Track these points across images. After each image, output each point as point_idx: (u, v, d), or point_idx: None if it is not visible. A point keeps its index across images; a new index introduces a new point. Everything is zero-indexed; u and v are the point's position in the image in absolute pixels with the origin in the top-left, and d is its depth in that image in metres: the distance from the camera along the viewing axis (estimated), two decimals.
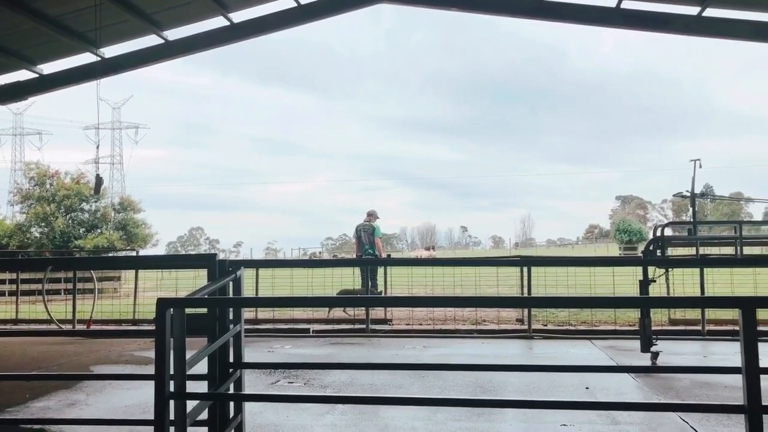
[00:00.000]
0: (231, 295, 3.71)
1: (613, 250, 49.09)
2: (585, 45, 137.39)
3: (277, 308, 11.03)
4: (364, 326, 10.05)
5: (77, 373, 6.78)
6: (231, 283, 3.66)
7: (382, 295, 10.86)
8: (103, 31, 10.00)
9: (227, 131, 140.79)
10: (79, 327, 10.46)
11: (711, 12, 9.52)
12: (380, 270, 11.88)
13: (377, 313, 10.62)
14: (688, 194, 8.42)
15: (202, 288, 3.40)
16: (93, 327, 10.55)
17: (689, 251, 10.11)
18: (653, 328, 7.24)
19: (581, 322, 10.27)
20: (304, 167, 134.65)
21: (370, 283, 12.09)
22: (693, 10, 9.57)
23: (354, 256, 14.42)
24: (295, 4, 10.82)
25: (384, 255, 13.87)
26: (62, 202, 22.15)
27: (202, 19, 11.04)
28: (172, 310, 3.03)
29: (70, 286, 12.41)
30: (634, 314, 9.82)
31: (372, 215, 13.27)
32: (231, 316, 3.69)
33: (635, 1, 9.78)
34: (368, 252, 12.78)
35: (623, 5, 9.80)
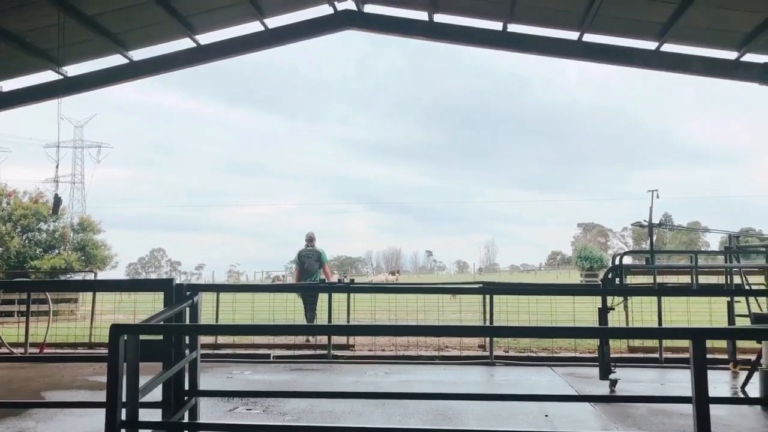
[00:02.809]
0: (188, 321, 3.65)
1: (575, 276, 49.73)
2: (549, 76, 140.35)
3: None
4: (325, 352, 9.96)
5: (26, 400, 6.55)
6: (188, 308, 3.61)
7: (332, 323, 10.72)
8: (66, 50, 9.87)
9: (193, 152, 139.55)
10: (32, 351, 10.14)
11: (668, 47, 9.83)
12: (339, 296, 11.45)
13: (339, 338, 10.53)
14: (646, 224, 8.59)
15: (158, 314, 3.34)
16: (47, 351, 10.24)
17: (648, 279, 10.32)
18: (612, 354, 7.34)
19: (542, 349, 10.34)
20: (270, 189, 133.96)
21: (308, 314, 11.64)
22: (651, 45, 9.87)
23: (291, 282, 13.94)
24: (262, 28, 10.84)
25: (333, 280, 13.35)
26: (19, 221, 21.59)
27: (168, 40, 10.96)
28: (126, 336, 2.97)
29: (23, 308, 12.04)
30: (593, 341, 9.93)
31: (313, 239, 12.62)
32: (188, 341, 3.63)
33: (596, 35, 10.05)
34: (313, 280, 12.17)
35: (585, 38, 10.05)
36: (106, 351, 2.97)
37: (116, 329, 2.95)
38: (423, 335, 10.13)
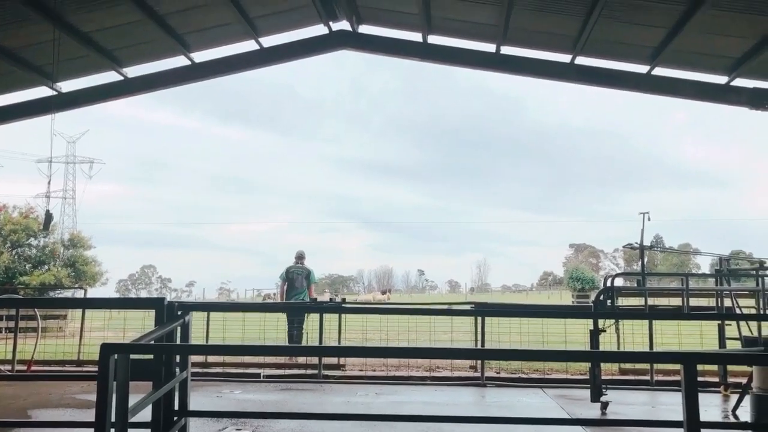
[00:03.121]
0: (179, 340, 3.63)
1: (566, 297, 49.72)
2: (543, 97, 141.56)
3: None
4: (316, 371, 9.90)
5: (12, 419, 6.46)
6: (179, 327, 3.59)
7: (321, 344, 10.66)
8: (61, 66, 9.87)
9: (186, 168, 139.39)
10: (19, 368, 10.03)
11: (659, 71, 9.94)
12: (329, 315, 11.41)
13: (330, 358, 10.47)
14: (638, 245, 8.63)
15: (149, 333, 3.32)
16: (34, 368, 10.13)
17: (639, 300, 10.35)
18: (603, 377, 7.33)
19: (534, 370, 10.31)
20: (263, 207, 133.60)
21: (295, 333, 11.64)
22: (643, 69, 9.97)
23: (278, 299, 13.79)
24: (257, 47, 10.90)
25: (324, 299, 13.46)
26: (8, 236, 21.46)
27: (162, 58, 10.99)
28: (116, 355, 2.95)
29: (11, 324, 11.92)
30: (584, 363, 9.92)
31: (303, 257, 12.69)
32: (178, 361, 3.61)
33: (589, 58, 10.15)
34: (301, 298, 12.22)
35: (577, 61, 10.15)
36: (95, 369, 2.95)
37: (107, 348, 2.93)
38: (415, 357, 10.11)
